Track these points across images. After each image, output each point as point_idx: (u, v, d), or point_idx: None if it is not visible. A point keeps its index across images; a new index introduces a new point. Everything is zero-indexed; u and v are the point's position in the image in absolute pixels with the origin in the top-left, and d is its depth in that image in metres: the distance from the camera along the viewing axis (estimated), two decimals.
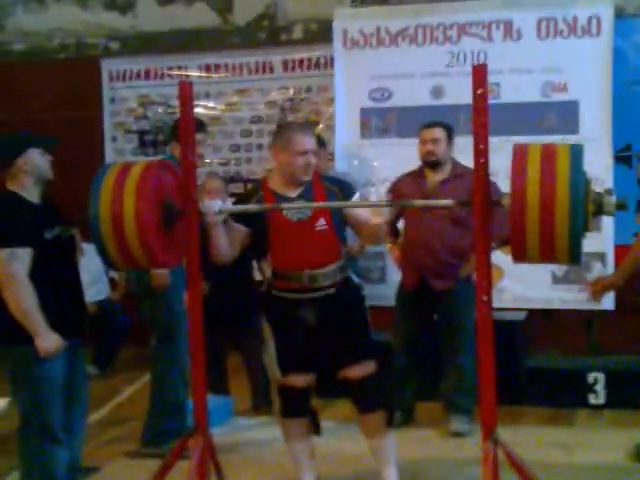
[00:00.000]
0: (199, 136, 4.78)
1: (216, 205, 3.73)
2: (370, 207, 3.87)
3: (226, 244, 3.85)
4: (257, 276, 4.76)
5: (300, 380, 3.98)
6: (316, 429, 4.09)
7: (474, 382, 5.02)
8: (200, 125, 4.92)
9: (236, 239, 3.92)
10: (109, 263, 3.68)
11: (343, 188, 4.01)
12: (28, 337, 3.77)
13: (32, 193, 3.92)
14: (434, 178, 5.02)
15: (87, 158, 6.91)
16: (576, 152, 3.29)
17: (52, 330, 3.80)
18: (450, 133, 5.04)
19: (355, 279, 4.07)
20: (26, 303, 3.75)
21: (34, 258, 3.79)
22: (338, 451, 4.64)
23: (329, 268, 3.91)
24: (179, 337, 4.58)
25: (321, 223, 3.88)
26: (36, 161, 3.92)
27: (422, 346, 5.17)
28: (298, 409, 4.03)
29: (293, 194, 3.93)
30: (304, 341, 3.93)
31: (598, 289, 4.20)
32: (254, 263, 4.51)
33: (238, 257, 4.03)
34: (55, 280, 3.87)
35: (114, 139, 7.82)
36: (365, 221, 3.88)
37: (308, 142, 3.91)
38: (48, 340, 3.79)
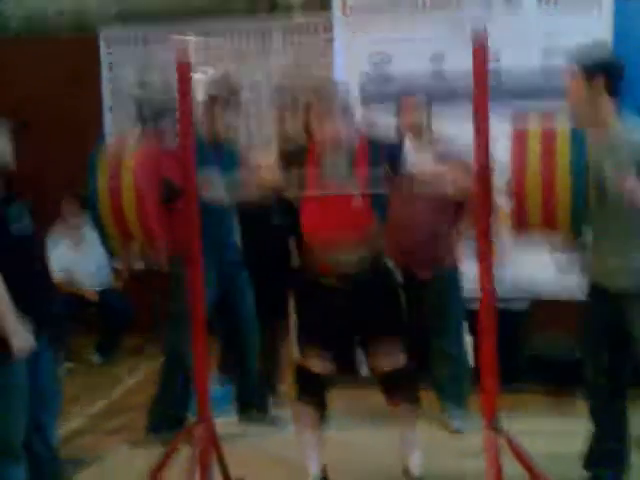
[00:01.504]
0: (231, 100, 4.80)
1: (214, 179, 3.72)
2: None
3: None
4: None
5: (319, 365, 3.88)
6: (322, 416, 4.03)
7: (466, 369, 5.08)
8: (231, 90, 4.90)
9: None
10: (106, 240, 3.60)
11: (386, 149, 3.79)
12: None
13: None
14: (414, 146, 4.82)
15: (86, 130, 6.86)
16: (576, 135, 3.29)
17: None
18: (429, 101, 4.98)
19: (390, 264, 3.94)
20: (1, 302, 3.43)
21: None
22: (342, 440, 4.63)
23: (358, 253, 3.74)
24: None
25: (357, 199, 3.68)
26: None
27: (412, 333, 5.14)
28: (313, 395, 3.94)
29: (335, 158, 3.73)
30: (328, 325, 3.83)
31: None
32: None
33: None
34: (18, 276, 3.50)
35: (111, 109, 7.76)
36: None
37: (328, 115, 3.71)
38: (24, 339, 3.49)
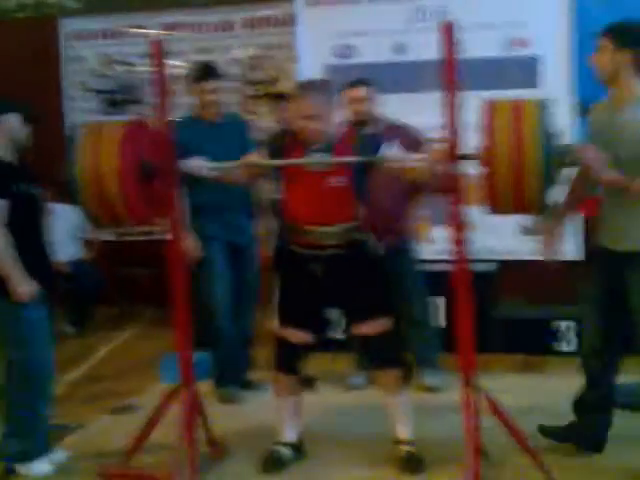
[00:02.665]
0: (214, 84, 4.91)
1: (202, 165, 3.86)
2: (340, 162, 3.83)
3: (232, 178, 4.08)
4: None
5: (297, 336, 3.98)
6: (310, 383, 4.14)
7: (434, 331, 5.22)
8: (212, 71, 4.98)
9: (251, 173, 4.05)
10: (92, 223, 3.78)
11: (371, 141, 3.94)
12: (6, 287, 3.88)
13: (4, 153, 4.02)
14: None
15: (47, 118, 6.88)
16: (543, 106, 3.42)
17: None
18: (374, 89, 4.99)
19: (371, 240, 4.02)
20: (4, 250, 3.87)
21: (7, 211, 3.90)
22: (320, 402, 4.76)
23: (339, 227, 3.88)
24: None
25: (338, 179, 3.83)
26: (14, 125, 4.04)
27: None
28: (290, 365, 4.05)
29: (318, 145, 3.86)
30: (308, 297, 3.94)
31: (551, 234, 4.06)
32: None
33: None
34: (25, 235, 3.97)
35: (73, 99, 7.79)
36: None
37: (305, 107, 3.81)
38: (25, 285, 3.90)
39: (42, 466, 4.08)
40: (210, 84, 4.93)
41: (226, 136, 4.89)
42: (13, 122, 4.04)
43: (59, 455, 4.21)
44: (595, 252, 3.93)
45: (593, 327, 3.91)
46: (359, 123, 4.88)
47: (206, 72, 4.99)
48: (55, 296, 4.48)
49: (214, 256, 4.92)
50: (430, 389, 5.04)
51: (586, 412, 3.96)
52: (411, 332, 5.11)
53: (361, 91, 4.93)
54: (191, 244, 4.78)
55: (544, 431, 4.08)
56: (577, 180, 3.97)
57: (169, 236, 3.95)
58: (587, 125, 3.93)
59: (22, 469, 4.05)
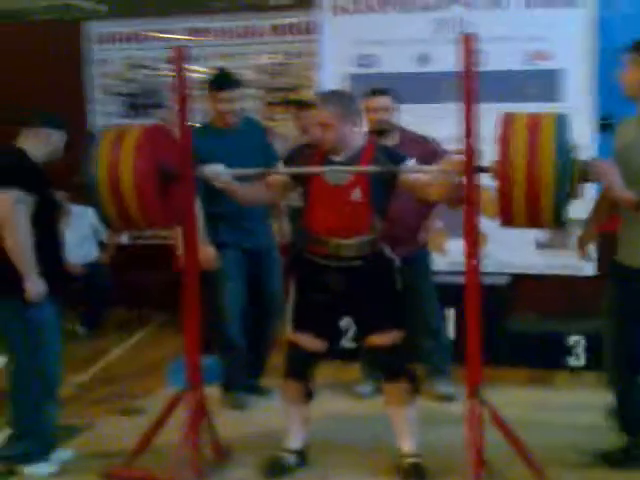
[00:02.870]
0: (229, 93, 4.87)
1: (219, 169, 3.87)
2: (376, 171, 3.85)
3: (252, 196, 4.08)
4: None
5: (310, 343, 3.98)
6: (309, 393, 4.11)
7: (447, 341, 5.21)
8: (227, 80, 4.96)
9: (271, 188, 4.05)
10: (108, 225, 3.82)
11: (391, 156, 3.95)
12: (17, 287, 3.91)
13: (38, 156, 4.10)
14: None
15: (71, 122, 6.94)
16: (561, 120, 3.40)
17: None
18: (396, 99, 5.00)
19: (388, 253, 4.03)
20: (24, 244, 3.91)
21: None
22: (327, 411, 4.74)
23: (356, 240, 3.89)
24: None
25: (356, 193, 3.85)
26: (58, 141, 4.17)
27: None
28: (301, 372, 4.05)
29: (338, 157, 3.92)
30: (323, 306, 3.95)
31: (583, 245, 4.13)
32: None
33: None
34: (42, 236, 4.00)
35: (99, 102, 7.85)
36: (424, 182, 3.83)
37: (318, 115, 3.87)
38: (37, 284, 3.94)
39: (46, 467, 4.09)
40: (225, 93, 4.87)
41: (243, 144, 4.86)
42: (58, 138, 4.16)
43: (65, 454, 4.23)
44: (612, 268, 3.92)
45: (613, 342, 3.91)
46: (378, 132, 4.89)
47: (222, 81, 4.96)
48: (68, 297, 4.53)
49: (227, 263, 4.92)
50: (443, 398, 5.02)
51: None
52: (426, 342, 5.12)
53: (382, 100, 4.93)
54: (208, 254, 4.78)
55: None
56: (602, 197, 3.98)
57: (182, 242, 3.99)
58: (614, 140, 3.91)
59: (26, 470, 4.06)
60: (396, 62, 6.44)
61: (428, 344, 5.13)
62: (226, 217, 4.86)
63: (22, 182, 3.92)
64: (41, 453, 4.09)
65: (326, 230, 3.89)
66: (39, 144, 4.09)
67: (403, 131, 5.01)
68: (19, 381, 4.05)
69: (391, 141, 4.91)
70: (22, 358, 4.02)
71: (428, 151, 4.70)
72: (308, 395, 4.11)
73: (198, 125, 4.98)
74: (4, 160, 4.04)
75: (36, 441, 4.07)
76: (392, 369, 4.00)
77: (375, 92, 4.95)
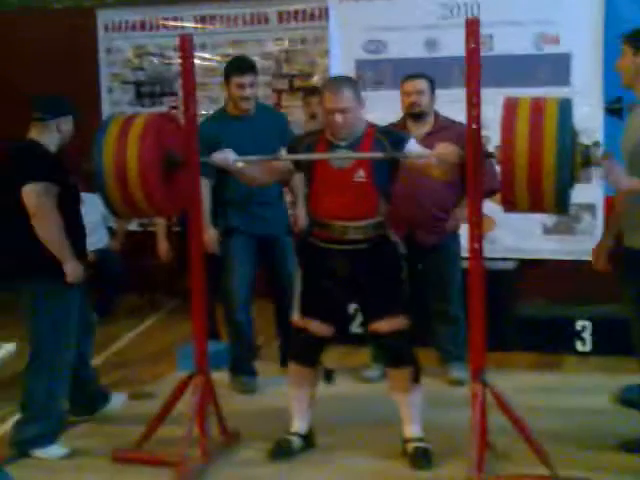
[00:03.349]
0: (247, 78, 4.88)
1: (230, 158, 3.90)
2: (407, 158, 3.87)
3: (256, 176, 4.10)
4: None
5: (317, 328, 4.00)
6: (329, 376, 4.16)
7: (466, 331, 5.23)
8: (245, 65, 4.97)
9: (273, 172, 4.10)
10: (113, 212, 3.86)
11: (391, 138, 3.95)
12: (50, 270, 4.02)
13: (53, 147, 4.19)
14: (418, 130, 4.91)
15: (83, 109, 6.99)
16: (564, 105, 3.41)
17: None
18: (432, 85, 5.01)
19: (393, 237, 4.02)
20: (57, 232, 4.04)
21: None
22: (334, 394, 4.76)
23: (362, 222, 3.90)
24: None
25: (360, 175, 3.86)
26: (69, 127, 4.26)
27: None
28: (307, 356, 4.07)
29: (342, 142, 3.91)
30: (330, 290, 3.97)
31: (600, 257, 4.07)
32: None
33: None
34: (68, 224, 4.10)
35: (110, 90, 7.89)
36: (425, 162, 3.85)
37: (336, 100, 3.84)
38: (75, 266, 4.09)
39: (58, 449, 4.14)
40: (243, 78, 4.88)
41: (258, 130, 4.87)
42: (70, 124, 4.24)
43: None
44: (625, 254, 3.88)
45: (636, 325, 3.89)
46: (415, 115, 4.94)
47: (240, 66, 4.97)
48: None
49: (235, 249, 4.95)
50: (455, 382, 5.03)
51: None
52: (441, 327, 5.16)
53: (419, 83, 4.95)
54: (210, 237, 4.81)
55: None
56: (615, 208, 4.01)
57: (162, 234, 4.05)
58: (626, 123, 3.90)
59: (38, 453, 4.11)
60: (404, 48, 6.45)
61: (444, 330, 5.17)
62: (236, 202, 4.90)
63: (45, 174, 4.00)
64: (53, 435, 4.15)
65: (331, 214, 3.90)
66: (51, 135, 4.16)
67: (438, 116, 5.03)
68: (36, 364, 4.11)
69: (426, 126, 4.97)
70: (45, 341, 4.09)
71: (461, 136, 4.70)
72: (328, 378, 4.15)
73: (213, 112, 5.00)
74: (25, 154, 4.12)
75: (48, 423, 4.12)
76: (396, 355, 4.01)
77: (413, 75, 5.00)
